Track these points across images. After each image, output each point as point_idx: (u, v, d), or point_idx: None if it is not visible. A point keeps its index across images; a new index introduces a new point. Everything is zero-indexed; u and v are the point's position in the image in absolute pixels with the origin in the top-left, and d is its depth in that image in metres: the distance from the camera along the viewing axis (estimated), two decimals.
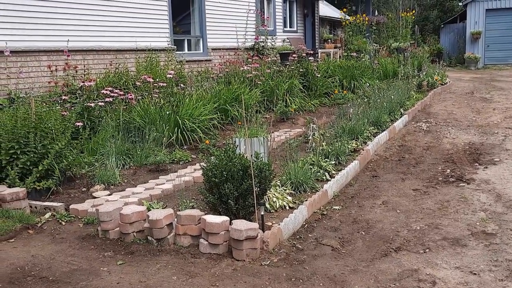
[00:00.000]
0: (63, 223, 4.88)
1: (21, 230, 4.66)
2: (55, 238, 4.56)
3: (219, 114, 8.65)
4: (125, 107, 7.84)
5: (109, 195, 5.53)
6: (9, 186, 5.23)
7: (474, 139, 8.51)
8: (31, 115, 5.70)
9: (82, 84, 7.75)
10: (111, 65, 9.79)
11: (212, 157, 4.75)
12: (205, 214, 4.34)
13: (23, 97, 7.49)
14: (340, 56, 17.24)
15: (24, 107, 5.97)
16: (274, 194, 5.15)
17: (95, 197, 5.44)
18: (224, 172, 4.45)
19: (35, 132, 5.50)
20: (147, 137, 7.08)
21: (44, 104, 6.70)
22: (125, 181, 6.12)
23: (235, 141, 5.93)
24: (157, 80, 8.78)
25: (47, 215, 4.98)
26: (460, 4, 25.14)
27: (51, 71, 8.30)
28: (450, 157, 7.46)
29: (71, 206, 5.14)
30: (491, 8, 22.50)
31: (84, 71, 8.75)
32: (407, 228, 4.83)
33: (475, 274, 3.87)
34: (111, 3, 10.50)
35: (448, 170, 6.78)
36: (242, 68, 11.21)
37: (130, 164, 6.68)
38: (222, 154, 4.67)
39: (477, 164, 7.07)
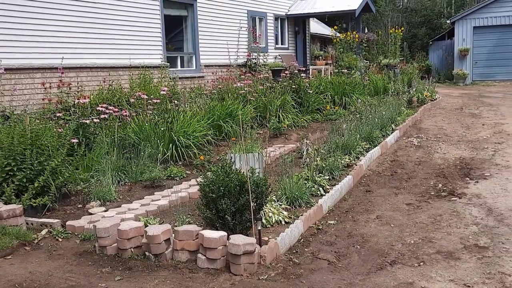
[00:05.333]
0: (60, 239, 4.89)
1: (18, 246, 4.66)
2: (52, 254, 4.57)
3: (212, 130, 8.72)
4: (119, 123, 7.88)
5: (105, 211, 5.55)
6: (5, 203, 5.24)
7: (464, 154, 8.64)
8: (27, 132, 5.73)
9: (77, 101, 7.79)
10: (104, 82, 9.86)
11: (209, 173, 4.80)
12: (203, 230, 4.38)
13: (17, 114, 7.53)
14: (331, 73, 17.44)
15: (20, 124, 5.99)
16: (270, 209, 5.20)
17: (91, 214, 5.46)
18: (221, 188, 4.50)
19: (32, 149, 5.52)
20: (142, 153, 7.11)
21: (38, 121, 6.72)
22: (121, 197, 6.14)
23: (231, 157, 5.99)
24: (151, 96, 8.85)
25: (43, 232, 4.99)
26: (448, 21, 25.55)
27: (45, 88, 8.34)
28: (441, 172, 7.57)
29: (67, 223, 5.16)
30: (478, 25, 22.92)
31: (78, 88, 8.81)
32: (401, 242, 4.90)
33: (469, 286, 3.93)
34: (105, 21, 10.61)
35: (440, 185, 6.88)
36: (235, 85, 11.32)
37: (125, 181, 6.70)
38: (219, 170, 4.72)
39: (468, 178, 7.18)
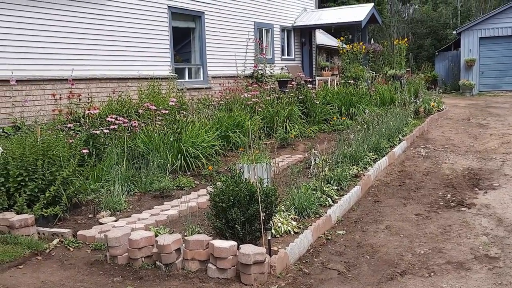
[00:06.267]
0: (71, 249, 4.93)
1: (29, 256, 4.70)
2: (64, 264, 4.60)
3: (220, 140, 8.77)
4: (129, 134, 7.95)
5: (116, 221, 5.59)
6: (17, 213, 5.29)
7: (472, 165, 8.63)
8: (38, 143, 5.80)
9: (88, 112, 7.88)
10: (114, 93, 9.95)
11: (219, 183, 4.84)
12: (213, 239, 4.40)
13: (28, 125, 7.61)
14: (337, 84, 17.49)
15: (32, 135, 6.07)
16: (279, 219, 5.22)
17: (101, 223, 5.50)
18: (231, 197, 4.53)
19: (43, 159, 5.59)
20: (151, 163, 7.16)
21: (50, 132, 6.80)
22: (131, 207, 6.19)
23: (240, 167, 6.03)
24: (159, 107, 8.93)
25: (55, 241, 5.02)
26: (454, 32, 25.62)
27: (55, 99, 8.45)
28: (450, 182, 7.56)
29: (78, 232, 5.20)
30: (484, 36, 22.96)
31: (88, 99, 8.90)
32: (411, 252, 4.90)
33: None
34: (114, 33, 10.73)
35: (449, 195, 6.88)
36: (242, 96, 11.39)
37: (134, 191, 6.75)
38: (229, 180, 4.76)
39: (477, 189, 7.17)
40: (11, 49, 8.63)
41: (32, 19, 8.99)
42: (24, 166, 5.48)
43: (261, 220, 4.49)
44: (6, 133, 7.50)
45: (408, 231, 5.50)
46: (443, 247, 5.00)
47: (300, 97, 12.28)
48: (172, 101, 8.98)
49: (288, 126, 10.96)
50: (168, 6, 12.34)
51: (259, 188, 4.64)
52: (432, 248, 4.97)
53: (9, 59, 8.57)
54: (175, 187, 6.96)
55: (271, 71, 15.95)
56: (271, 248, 4.49)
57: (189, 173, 7.68)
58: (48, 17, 9.29)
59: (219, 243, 4.26)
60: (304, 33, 19.58)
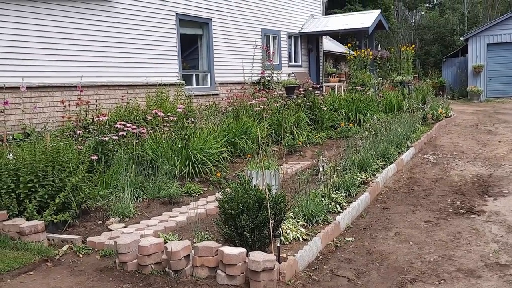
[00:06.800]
0: (81, 255, 4.95)
1: (39, 262, 4.72)
2: (74, 270, 4.62)
3: (228, 147, 8.78)
4: (137, 140, 7.98)
5: (125, 227, 5.61)
6: (27, 219, 5.32)
7: (481, 171, 8.58)
8: (48, 149, 5.83)
9: (96, 118, 7.93)
10: (122, 99, 10.00)
11: (228, 189, 4.84)
12: (222, 246, 4.40)
13: (37, 132, 7.67)
14: (344, 90, 17.48)
15: (41, 142, 6.11)
16: (288, 226, 5.21)
17: (111, 230, 5.52)
18: (240, 204, 4.54)
19: (53, 166, 5.62)
20: (159, 170, 7.18)
21: (59, 138, 6.85)
22: (139, 213, 6.20)
23: (249, 174, 6.03)
24: (167, 114, 8.96)
25: (64, 248, 5.05)
26: (462, 38, 25.56)
27: (64, 106, 8.51)
28: (459, 189, 7.53)
29: (88, 239, 5.21)
30: (492, 42, 22.89)
31: (96, 106, 8.95)
32: (421, 259, 4.88)
33: None
34: (122, 40, 10.80)
35: (458, 202, 6.84)
36: (250, 102, 11.41)
37: (143, 197, 6.77)
38: (237, 186, 4.76)
39: (486, 196, 7.13)
40: (21, 56, 8.70)
41: (42, 27, 9.08)
42: (34, 173, 5.52)
43: (270, 227, 4.49)
44: (16, 139, 7.55)
45: (418, 238, 5.47)
46: (453, 254, 4.97)
47: (308, 103, 12.29)
48: (180, 108, 9.01)
49: (295, 133, 10.97)
50: (176, 13, 12.41)
51: (268, 195, 4.64)
52: (442, 256, 4.94)
53: (19, 66, 8.64)
54: (183, 194, 6.98)
55: (278, 77, 15.98)
56: (280, 255, 4.48)
57: (197, 180, 7.69)
58: (58, 24, 9.38)
59: (228, 249, 4.27)
60: (311, 40, 19.61)
